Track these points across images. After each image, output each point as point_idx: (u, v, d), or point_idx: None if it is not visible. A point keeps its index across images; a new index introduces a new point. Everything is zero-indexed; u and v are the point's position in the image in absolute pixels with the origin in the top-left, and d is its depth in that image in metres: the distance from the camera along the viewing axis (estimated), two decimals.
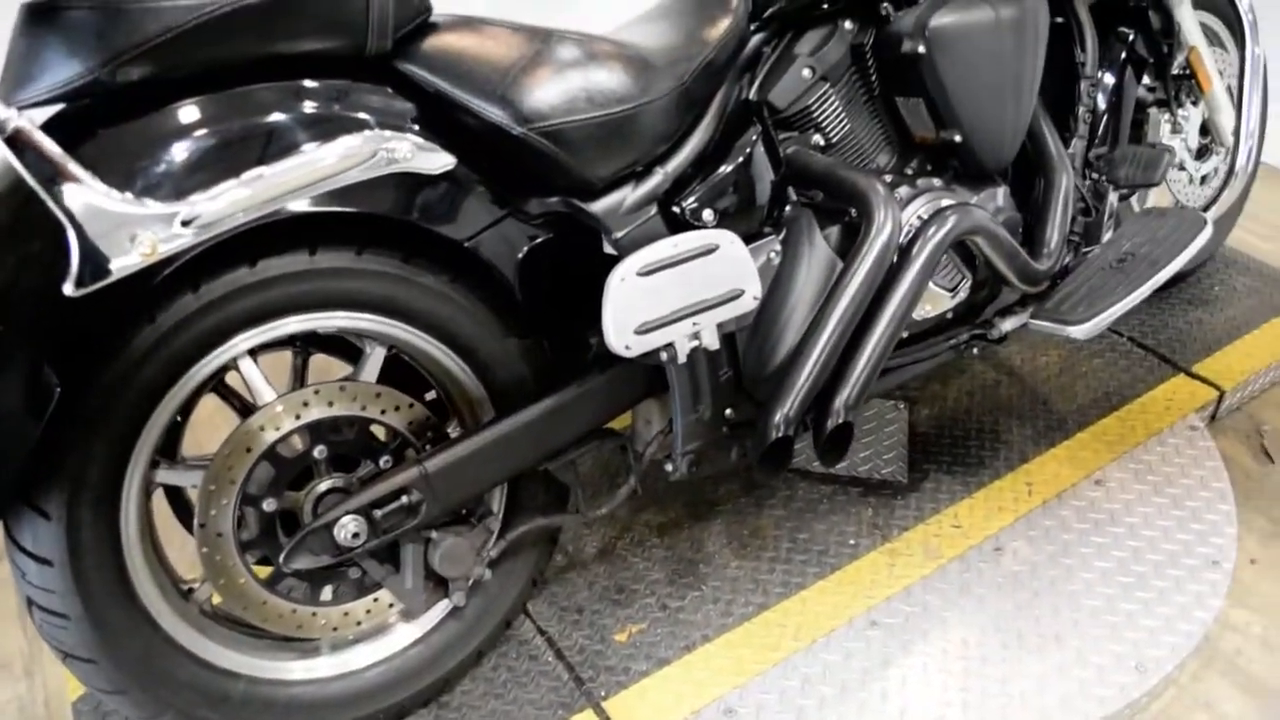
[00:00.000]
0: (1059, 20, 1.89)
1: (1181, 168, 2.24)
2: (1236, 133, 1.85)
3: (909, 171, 1.72)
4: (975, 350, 1.82)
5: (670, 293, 1.37)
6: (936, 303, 1.72)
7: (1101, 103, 2.01)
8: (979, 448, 2.00)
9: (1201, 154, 2.28)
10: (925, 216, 1.59)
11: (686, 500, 1.90)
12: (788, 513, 1.86)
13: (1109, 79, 2.04)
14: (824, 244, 1.57)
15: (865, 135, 1.66)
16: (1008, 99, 1.63)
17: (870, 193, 1.48)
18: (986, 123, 1.63)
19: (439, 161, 1.24)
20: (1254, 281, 2.49)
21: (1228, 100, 2.24)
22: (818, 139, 1.60)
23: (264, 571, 1.43)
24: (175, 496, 1.52)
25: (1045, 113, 1.82)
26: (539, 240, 1.39)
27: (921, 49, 1.53)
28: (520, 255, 1.38)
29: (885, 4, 1.60)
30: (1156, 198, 2.31)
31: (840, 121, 1.61)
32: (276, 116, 1.18)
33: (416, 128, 1.25)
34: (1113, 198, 1.89)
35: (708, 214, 1.44)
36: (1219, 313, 2.37)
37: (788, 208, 1.58)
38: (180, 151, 1.12)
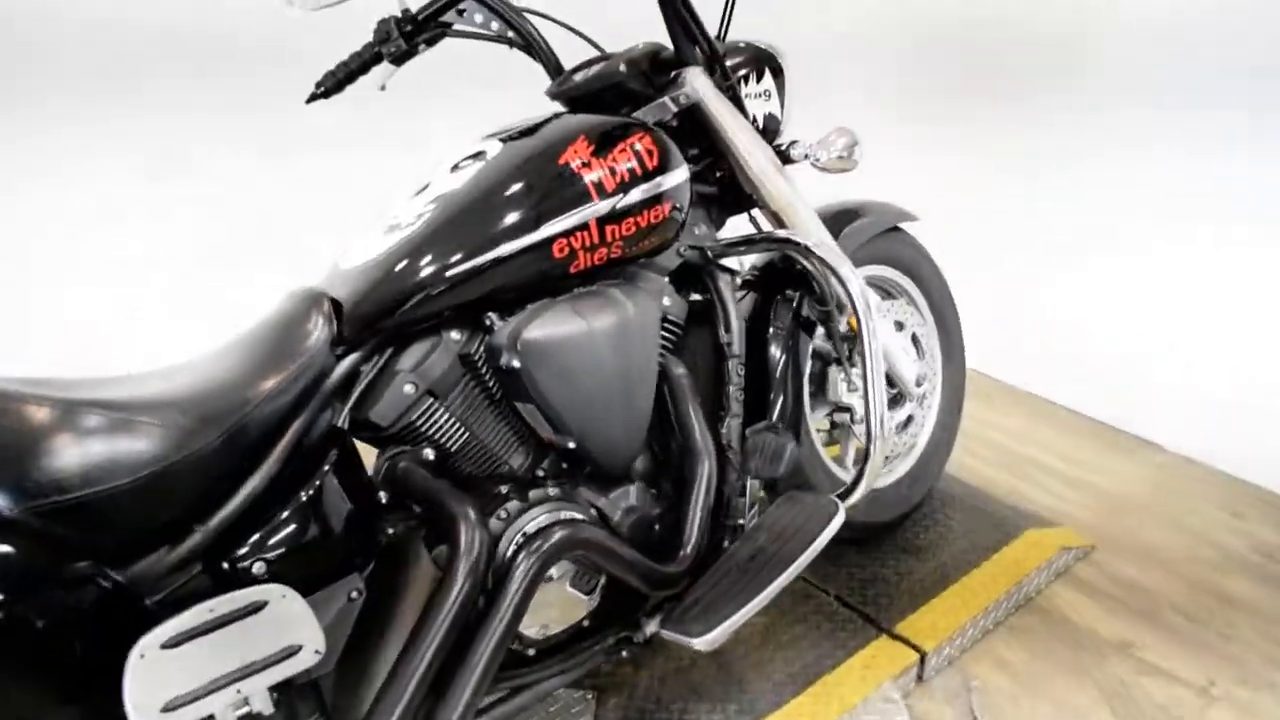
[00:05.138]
0: (705, 298, 1.90)
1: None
2: (867, 407, 1.83)
3: (541, 473, 1.67)
4: (625, 654, 1.73)
5: (204, 663, 1.24)
6: (573, 609, 1.64)
7: (778, 355, 2.03)
8: None
9: (894, 403, 2.29)
10: (530, 533, 1.53)
11: None
12: None
13: (784, 339, 2.06)
14: (430, 565, 1.50)
15: (490, 440, 1.61)
16: (614, 404, 1.60)
17: (459, 517, 1.42)
18: (596, 428, 1.59)
19: None
20: (968, 520, 2.47)
21: (904, 351, 2.27)
22: (429, 453, 1.55)
23: None
24: None
25: (695, 396, 1.79)
26: (78, 608, 1.27)
27: (516, 363, 1.51)
28: (56, 626, 1.26)
29: (490, 314, 1.58)
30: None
31: (454, 432, 1.56)
32: None
33: None
34: (754, 484, 1.85)
35: (259, 566, 1.34)
36: (930, 560, 2.33)
37: (390, 530, 1.51)
38: None
